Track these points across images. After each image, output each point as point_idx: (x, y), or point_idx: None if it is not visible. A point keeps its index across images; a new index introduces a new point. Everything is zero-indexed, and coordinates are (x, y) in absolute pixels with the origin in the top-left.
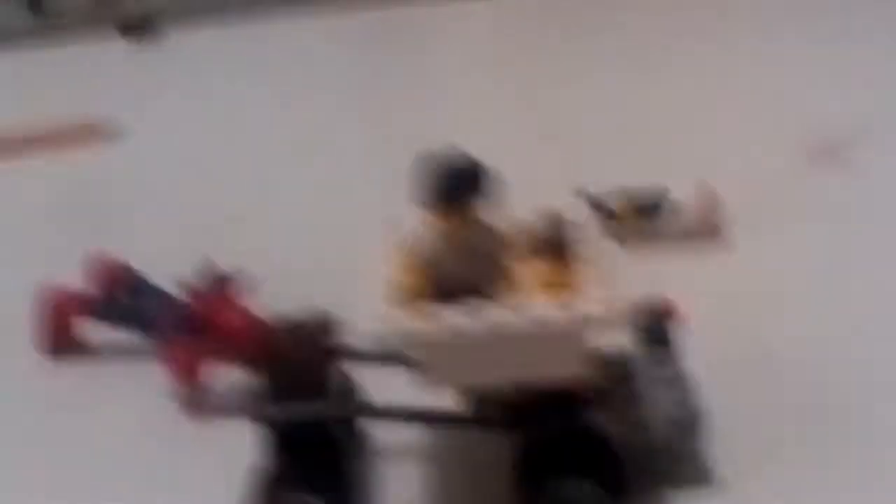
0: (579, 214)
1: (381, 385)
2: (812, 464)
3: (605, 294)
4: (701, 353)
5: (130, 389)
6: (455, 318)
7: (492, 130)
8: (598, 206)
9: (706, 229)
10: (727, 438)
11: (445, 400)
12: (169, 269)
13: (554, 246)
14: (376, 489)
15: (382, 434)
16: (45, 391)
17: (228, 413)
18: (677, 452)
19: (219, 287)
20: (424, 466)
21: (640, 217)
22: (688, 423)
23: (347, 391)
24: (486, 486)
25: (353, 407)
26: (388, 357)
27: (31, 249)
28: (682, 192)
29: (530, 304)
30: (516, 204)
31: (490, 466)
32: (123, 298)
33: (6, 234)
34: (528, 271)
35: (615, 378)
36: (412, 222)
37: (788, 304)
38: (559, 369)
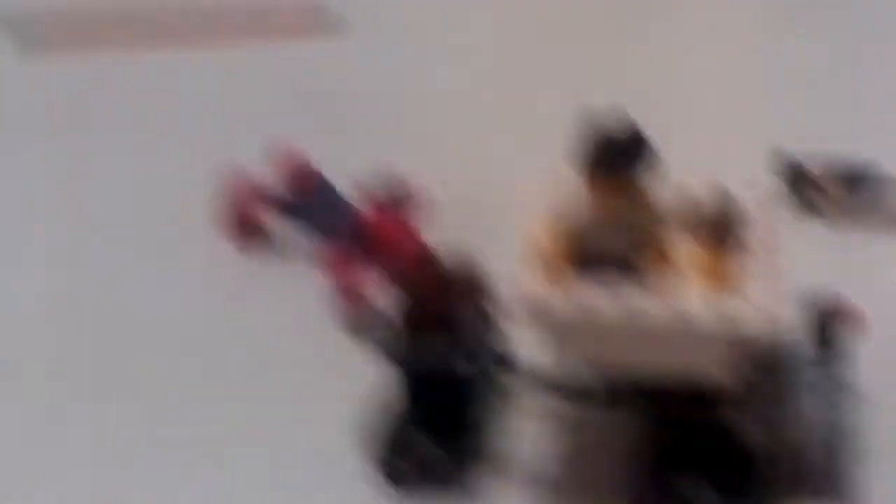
0: (771, 182)
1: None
2: None
3: (766, 296)
4: (880, 363)
5: (295, 289)
6: (595, 297)
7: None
8: (797, 172)
9: None
10: (884, 462)
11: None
12: (352, 176)
13: (718, 230)
14: (501, 443)
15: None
16: (222, 276)
17: (374, 340)
18: (818, 468)
19: (398, 204)
20: (551, 429)
21: (843, 190)
22: (834, 439)
23: (488, 341)
24: (608, 464)
25: (490, 362)
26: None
27: (223, 136)
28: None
29: (678, 294)
30: (699, 167)
31: (616, 446)
32: (305, 198)
33: (201, 116)
34: (687, 254)
35: (766, 374)
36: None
37: None
38: (700, 367)
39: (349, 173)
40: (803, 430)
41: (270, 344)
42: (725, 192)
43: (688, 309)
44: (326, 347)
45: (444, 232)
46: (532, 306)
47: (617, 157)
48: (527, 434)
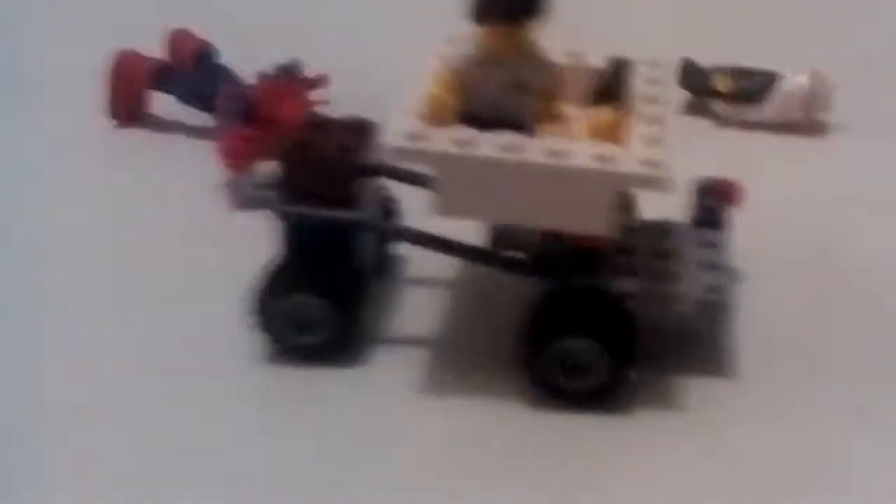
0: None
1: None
2: (835, 377)
3: (652, 155)
4: (760, 246)
5: (184, 165)
6: (485, 147)
7: None
8: (699, 79)
9: (810, 122)
10: (755, 331)
11: (473, 232)
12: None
13: (614, 93)
14: (389, 307)
15: (409, 255)
16: (107, 153)
17: (258, 204)
18: (699, 334)
19: (289, 80)
20: (443, 293)
21: (742, 99)
22: (715, 309)
23: (377, 205)
24: (499, 325)
25: (370, 220)
26: (416, 177)
27: (115, 17)
28: (795, 80)
29: (567, 148)
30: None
31: (507, 307)
32: (191, 69)
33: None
34: (581, 114)
35: (655, 248)
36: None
37: (869, 215)
38: (585, 223)
39: (244, 48)
40: (689, 301)
41: (157, 217)
42: (625, 60)
43: (568, 149)
44: (214, 221)
45: (342, 99)
46: (413, 142)
47: (507, 2)
48: (414, 296)
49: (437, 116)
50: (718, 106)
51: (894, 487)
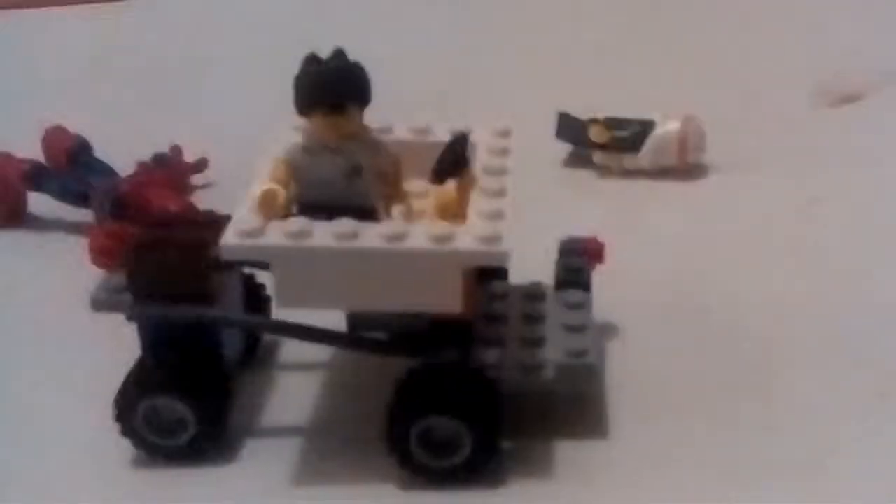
0: (557, 136)
1: None
2: (709, 426)
3: (492, 230)
4: (640, 294)
5: (60, 264)
6: (320, 237)
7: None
8: (576, 131)
9: (686, 167)
10: (625, 389)
11: (338, 316)
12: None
13: (453, 167)
14: (260, 398)
15: (285, 344)
16: None
17: (112, 306)
18: (568, 398)
19: (163, 169)
20: (314, 379)
21: (618, 148)
22: (580, 372)
23: (240, 296)
24: (370, 408)
25: (225, 316)
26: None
27: None
28: (668, 126)
29: (404, 230)
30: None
31: (377, 388)
32: (68, 171)
33: None
34: (428, 191)
35: (523, 313)
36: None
37: (745, 257)
38: (434, 302)
39: (121, 141)
40: (553, 367)
41: (32, 318)
42: (462, 135)
43: (404, 232)
44: (86, 322)
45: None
46: (245, 237)
47: (330, 89)
48: (285, 384)
49: (269, 209)
50: (597, 156)
51: None
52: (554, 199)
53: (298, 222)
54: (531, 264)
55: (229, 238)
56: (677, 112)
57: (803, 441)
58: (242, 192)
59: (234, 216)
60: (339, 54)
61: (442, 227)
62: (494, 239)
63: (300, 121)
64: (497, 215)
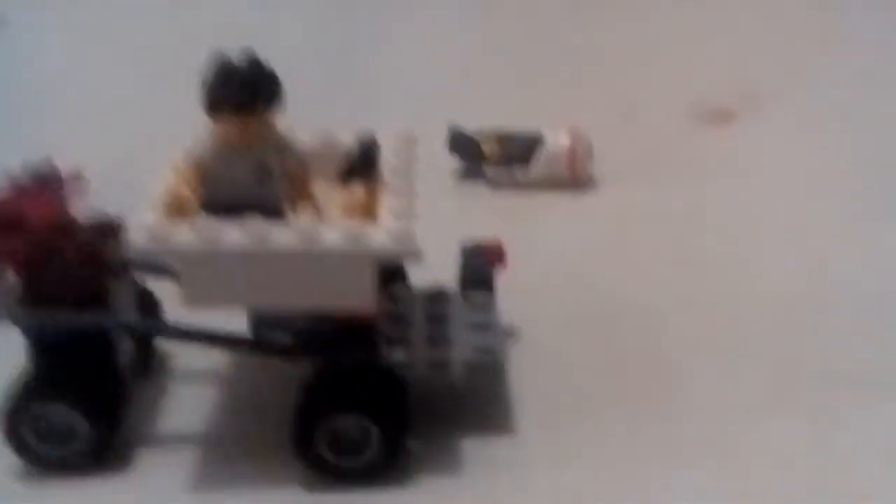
0: (447, 150)
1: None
2: (610, 426)
3: (401, 228)
4: (533, 301)
5: None
6: (228, 237)
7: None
8: (468, 145)
9: (575, 178)
10: (529, 387)
11: (237, 319)
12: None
13: (361, 169)
14: (156, 407)
15: (179, 352)
16: None
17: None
18: (474, 396)
19: (37, 181)
20: (212, 385)
21: (509, 162)
22: (486, 370)
23: (132, 302)
24: (271, 411)
25: (116, 320)
26: (163, 270)
27: None
28: (558, 139)
29: (314, 229)
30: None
31: (279, 391)
32: None
33: None
34: (333, 194)
35: (427, 314)
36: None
37: (635, 263)
38: (345, 300)
39: None
40: (459, 364)
41: None
42: (369, 136)
43: (315, 230)
44: None
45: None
46: (152, 238)
47: (237, 91)
48: (182, 391)
49: (176, 210)
50: (489, 170)
51: None
52: (448, 210)
53: (208, 224)
54: (430, 270)
55: (138, 239)
56: (563, 126)
57: (702, 436)
58: (120, 202)
59: (135, 218)
60: (248, 54)
61: (354, 225)
62: (406, 236)
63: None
64: (407, 214)
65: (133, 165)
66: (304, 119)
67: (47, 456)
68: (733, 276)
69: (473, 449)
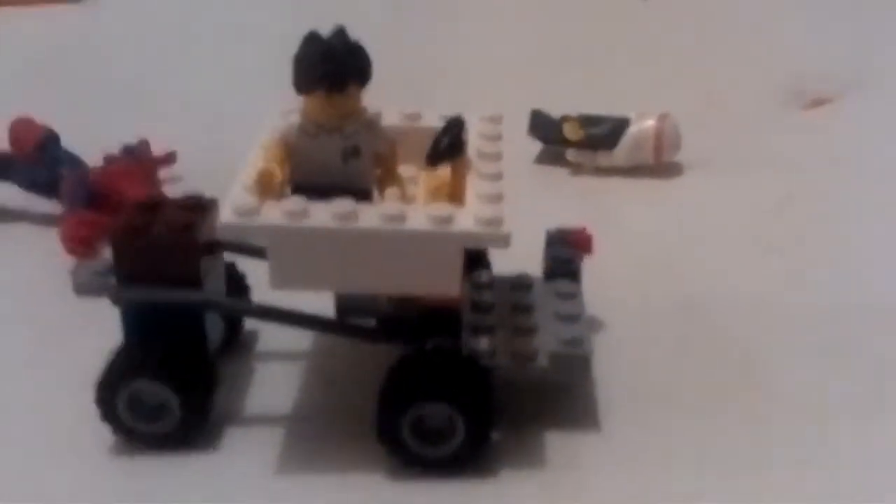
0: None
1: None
2: (698, 423)
3: (491, 213)
4: (619, 291)
5: (30, 253)
6: (318, 217)
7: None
8: (549, 129)
9: (661, 166)
10: (616, 380)
11: (324, 301)
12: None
13: (449, 151)
14: (242, 386)
15: (264, 331)
16: None
17: (96, 290)
18: (559, 388)
19: (132, 160)
20: (297, 367)
21: (593, 146)
22: (573, 362)
23: (222, 281)
24: (355, 395)
25: (211, 299)
26: (254, 251)
27: None
28: (644, 123)
29: (403, 211)
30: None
31: (363, 375)
32: (35, 162)
33: None
34: (420, 175)
35: (511, 303)
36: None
37: (723, 254)
38: (431, 285)
39: (92, 135)
40: (547, 356)
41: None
42: (458, 119)
43: (404, 213)
44: (61, 309)
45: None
46: (243, 217)
47: (330, 68)
48: (268, 371)
49: (266, 189)
50: (571, 154)
51: None
52: (527, 195)
53: (296, 202)
54: (512, 256)
55: (226, 216)
56: (651, 111)
57: (792, 435)
58: (210, 184)
59: (226, 197)
60: (340, 32)
61: (442, 208)
62: (495, 221)
63: (291, 105)
64: (496, 198)
65: (224, 147)
66: (389, 100)
67: (139, 431)
68: (829, 270)
69: (557, 442)
